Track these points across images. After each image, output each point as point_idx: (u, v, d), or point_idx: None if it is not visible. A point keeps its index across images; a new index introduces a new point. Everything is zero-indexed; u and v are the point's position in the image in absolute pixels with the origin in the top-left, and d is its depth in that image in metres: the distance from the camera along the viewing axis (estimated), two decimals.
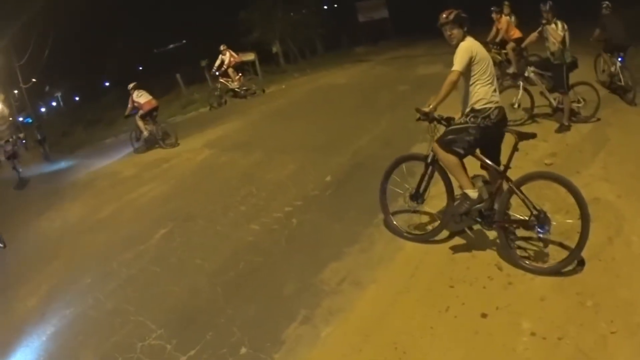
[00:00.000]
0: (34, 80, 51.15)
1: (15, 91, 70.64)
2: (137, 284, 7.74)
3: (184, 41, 54.04)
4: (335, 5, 36.51)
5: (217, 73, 20.01)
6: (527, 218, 5.53)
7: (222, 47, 19.81)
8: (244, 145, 12.72)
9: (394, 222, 6.71)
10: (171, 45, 56.12)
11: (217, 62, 19.94)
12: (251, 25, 28.73)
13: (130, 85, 16.99)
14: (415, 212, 6.65)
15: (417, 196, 6.41)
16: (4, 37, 41.56)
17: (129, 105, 16.72)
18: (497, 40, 14.15)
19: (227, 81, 19.86)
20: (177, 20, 44.73)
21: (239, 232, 7.96)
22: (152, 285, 7.54)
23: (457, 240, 6.33)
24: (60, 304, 8.29)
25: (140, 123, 16.53)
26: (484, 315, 4.94)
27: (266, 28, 28.02)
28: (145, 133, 16.39)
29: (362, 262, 6.21)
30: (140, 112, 16.49)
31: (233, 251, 7.46)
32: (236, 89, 19.81)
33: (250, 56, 20.85)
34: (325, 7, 34.90)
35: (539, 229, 5.46)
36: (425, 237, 6.46)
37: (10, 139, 42.94)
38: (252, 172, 10.49)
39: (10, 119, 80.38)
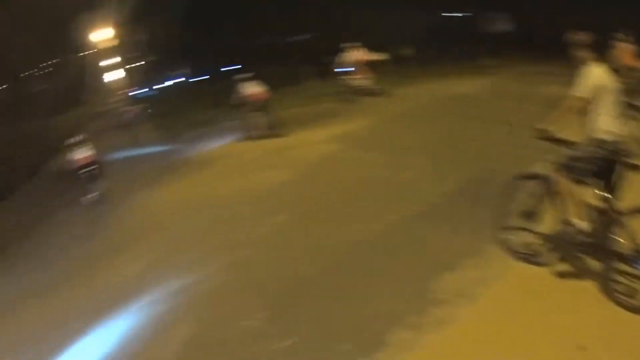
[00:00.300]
0: (155, 56, 53.37)
1: (138, 63, 73.96)
2: (246, 265, 8.14)
3: (314, 34, 54.67)
4: (457, 14, 36.03)
5: (344, 70, 20.30)
6: (628, 252, 5.47)
7: (347, 45, 20.13)
8: (366, 144, 12.98)
9: (508, 240, 6.74)
10: (301, 37, 57.01)
11: (344, 59, 20.24)
12: (376, 25, 28.88)
13: (240, 76, 18.72)
14: (527, 231, 6.65)
15: (531, 216, 6.45)
16: (128, 9, 43.45)
17: (237, 95, 18.20)
18: (616, 67, 13.63)
19: (354, 78, 20.10)
20: (308, 12, 45.23)
21: (355, 229, 8.17)
22: (260, 268, 7.91)
23: (562, 265, 6.32)
24: (162, 275, 8.84)
25: (249, 113, 18.06)
26: (579, 347, 4.97)
27: (393, 29, 28.06)
28: (254, 122, 17.93)
29: (474, 277, 6.29)
30: (247, 102, 17.98)
31: (348, 247, 7.69)
32: (363, 88, 19.97)
33: (381, 56, 20.96)
34: (447, 14, 34.50)
35: (638, 265, 5.43)
36: (534, 258, 6.49)
37: (128, 109, 45.25)
38: (373, 171, 10.71)
39: (128, 90, 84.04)
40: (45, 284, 10.82)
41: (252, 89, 18.20)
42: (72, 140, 15.88)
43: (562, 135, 6.01)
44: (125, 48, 69.20)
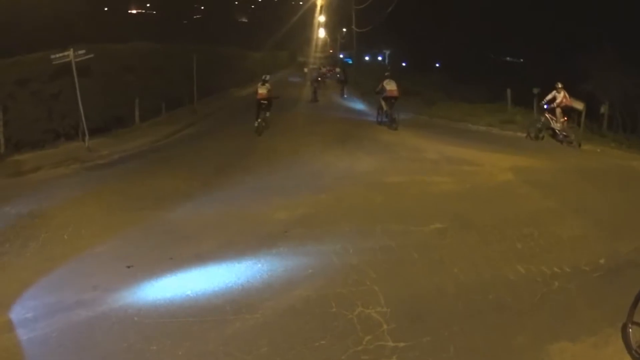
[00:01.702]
0: (369, 28, 54.35)
1: (344, 30, 75.94)
2: (390, 258, 8.32)
3: (522, 60, 53.79)
4: None
5: (545, 107, 19.90)
6: None
7: (559, 85, 19.51)
8: (545, 188, 12.63)
9: (630, 334, 6.17)
10: (508, 58, 56.18)
11: (549, 97, 19.72)
12: (588, 74, 27.94)
13: (386, 74, 23.97)
14: None
15: None
16: None
17: (380, 87, 23.08)
18: None
19: (552, 119, 19.68)
20: (523, 36, 44.54)
21: (504, 265, 8.09)
22: (403, 266, 8.05)
23: None
24: (306, 234, 9.32)
25: (383, 103, 23.20)
26: None
27: (601, 83, 27.05)
28: (383, 111, 23.38)
29: (588, 356, 6.01)
30: (384, 94, 22.83)
31: (491, 279, 7.64)
32: (557, 130, 19.54)
33: (580, 105, 20.38)
34: None
35: None
36: None
37: (325, 69, 47.31)
38: (541, 217, 10.45)
39: (331, 51, 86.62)
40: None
41: (389, 85, 22.68)
42: (263, 77, 22.69)
43: None
44: (339, 14, 71.31)
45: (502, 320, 6.57)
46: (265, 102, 21.18)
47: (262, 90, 21.39)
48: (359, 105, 32.86)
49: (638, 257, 8.53)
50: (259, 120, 20.86)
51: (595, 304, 7.02)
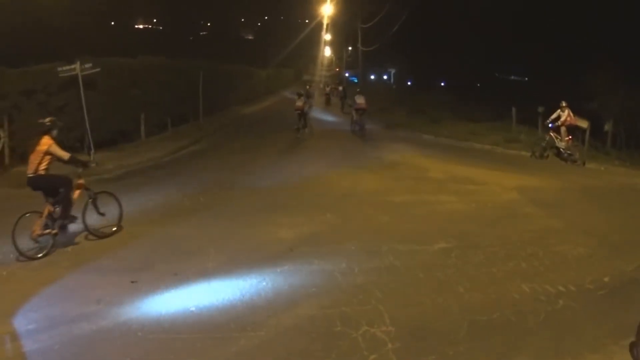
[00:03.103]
0: (374, 46, 54.63)
1: (350, 48, 76.34)
2: (396, 277, 8.27)
3: (526, 78, 53.93)
4: None
5: (550, 125, 19.93)
6: None
7: (563, 104, 19.60)
8: (549, 207, 12.53)
9: (637, 352, 6.06)
10: (513, 77, 56.40)
11: (554, 116, 19.79)
12: (593, 92, 27.89)
13: (357, 90, 28.78)
14: None
15: None
16: None
17: (352, 101, 27.28)
18: None
19: (557, 137, 19.71)
20: (528, 55, 44.61)
21: (508, 284, 8.05)
22: (408, 286, 7.98)
23: None
24: (311, 253, 9.24)
25: (354, 113, 27.28)
26: None
27: (605, 101, 27.00)
28: (355, 121, 27.04)
29: None
30: (355, 107, 26.78)
31: (495, 298, 7.59)
32: (561, 149, 19.61)
33: (584, 123, 20.40)
34: None
35: None
36: None
37: (328, 87, 48.16)
38: (546, 236, 10.38)
39: (337, 69, 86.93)
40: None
41: (359, 99, 26.52)
42: (298, 92, 28.60)
43: None
44: (344, 33, 71.65)
45: (506, 339, 6.52)
46: (302, 112, 26.05)
47: (299, 103, 26.09)
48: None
49: None
50: (299, 127, 25.89)
51: (599, 322, 6.99)
